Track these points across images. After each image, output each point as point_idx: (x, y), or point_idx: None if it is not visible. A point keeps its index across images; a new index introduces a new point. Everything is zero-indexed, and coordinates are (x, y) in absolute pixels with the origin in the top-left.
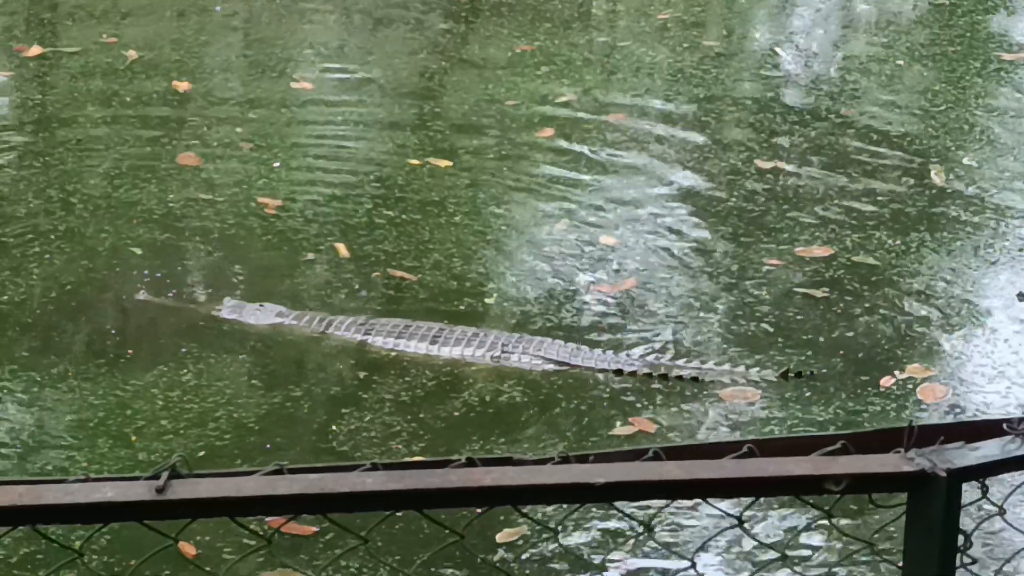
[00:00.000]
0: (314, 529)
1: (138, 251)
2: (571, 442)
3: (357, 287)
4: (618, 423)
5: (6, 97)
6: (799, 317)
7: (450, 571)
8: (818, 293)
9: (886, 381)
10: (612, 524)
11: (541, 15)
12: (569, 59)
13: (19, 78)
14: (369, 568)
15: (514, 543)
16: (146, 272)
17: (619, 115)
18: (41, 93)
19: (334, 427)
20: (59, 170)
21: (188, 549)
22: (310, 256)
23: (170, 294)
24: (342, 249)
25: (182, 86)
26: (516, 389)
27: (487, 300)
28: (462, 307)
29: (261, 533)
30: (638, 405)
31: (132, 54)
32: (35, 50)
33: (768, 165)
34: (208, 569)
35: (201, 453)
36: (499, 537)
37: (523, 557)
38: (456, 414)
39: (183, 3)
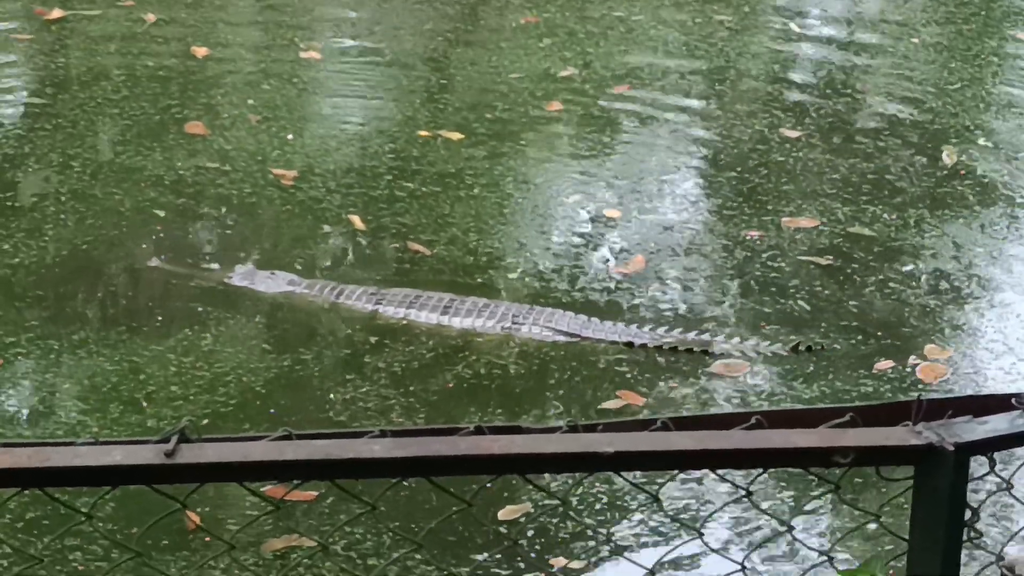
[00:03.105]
0: (314, 494)
1: (149, 217)
2: (568, 414)
3: (371, 257)
4: (613, 396)
5: (28, 60)
6: (808, 289)
7: (453, 539)
8: (825, 262)
9: (889, 362)
10: (619, 497)
11: None
12: (572, 31)
13: (40, 41)
14: (373, 534)
15: (516, 520)
16: (157, 238)
17: (624, 87)
18: (64, 56)
19: (332, 395)
20: (68, 132)
21: (192, 518)
22: (326, 228)
23: (183, 261)
24: (357, 221)
25: (200, 52)
26: (518, 361)
27: (501, 273)
28: (478, 279)
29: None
30: (629, 378)
31: (150, 17)
32: (56, 13)
33: (779, 139)
34: (214, 536)
35: (205, 421)
36: (501, 514)
37: (529, 533)
38: (450, 385)
39: None
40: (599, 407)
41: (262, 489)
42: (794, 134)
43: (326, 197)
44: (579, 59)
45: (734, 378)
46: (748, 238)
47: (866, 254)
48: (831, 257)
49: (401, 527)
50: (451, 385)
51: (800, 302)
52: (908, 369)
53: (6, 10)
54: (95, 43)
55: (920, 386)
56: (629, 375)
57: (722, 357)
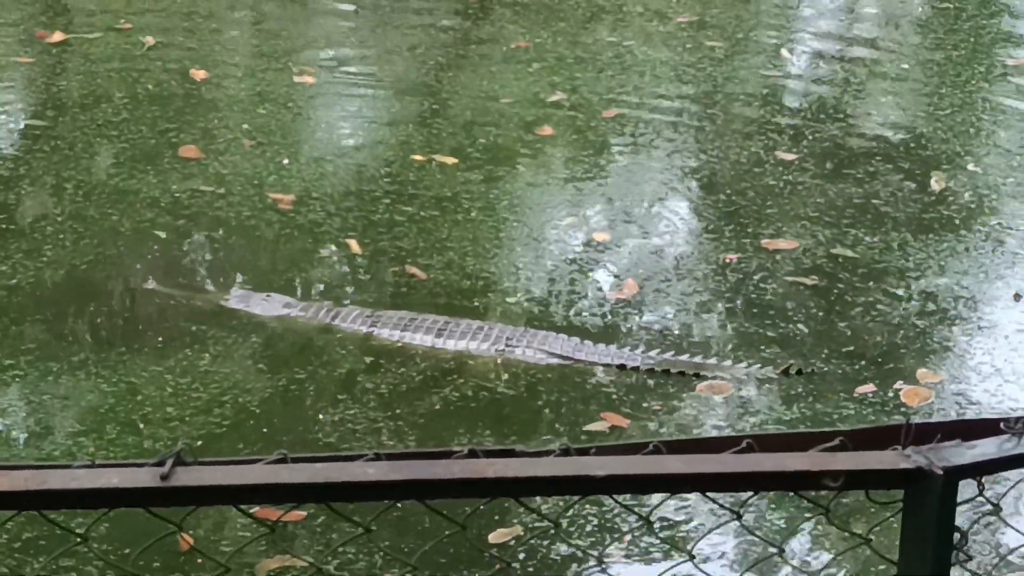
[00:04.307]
0: (304, 514)
1: (146, 239)
2: (554, 435)
3: (368, 280)
4: (598, 418)
5: (29, 83)
6: (797, 313)
7: (444, 561)
8: (811, 282)
9: (871, 386)
10: (609, 519)
11: (555, 14)
12: (561, 56)
13: (41, 64)
14: (365, 554)
15: (506, 543)
16: (154, 260)
17: (613, 111)
18: (65, 79)
19: (322, 416)
20: (65, 154)
21: (186, 540)
22: (323, 252)
23: (180, 283)
24: (354, 245)
25: (199, 75)
26: (507, 384)
27: (497, 296)
28: (475, 303)
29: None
30: (614, 399)
31: (149, 40)
32: (57, 36)
33: (768, 163)
34: (209, 558)
35: (199, 443)
36: (492, 537)
37: (520, 555)
38: (437, 408)
39: None
40: (584, 428)
41: (253, 511)
42: (790, 157)
43: (325, 221)
44: (567, 84)
45: (718, 400)
46: (728, 261)
47: (851, 275)
48: (816, 277)
49: (392, 547)
50: (438, 407)
51: (790, 324)
52: (891, 393)
53: (8, 33)
54: (95, 66)
55: (903, 409)
56: (615, 397)
57: (712, 379)
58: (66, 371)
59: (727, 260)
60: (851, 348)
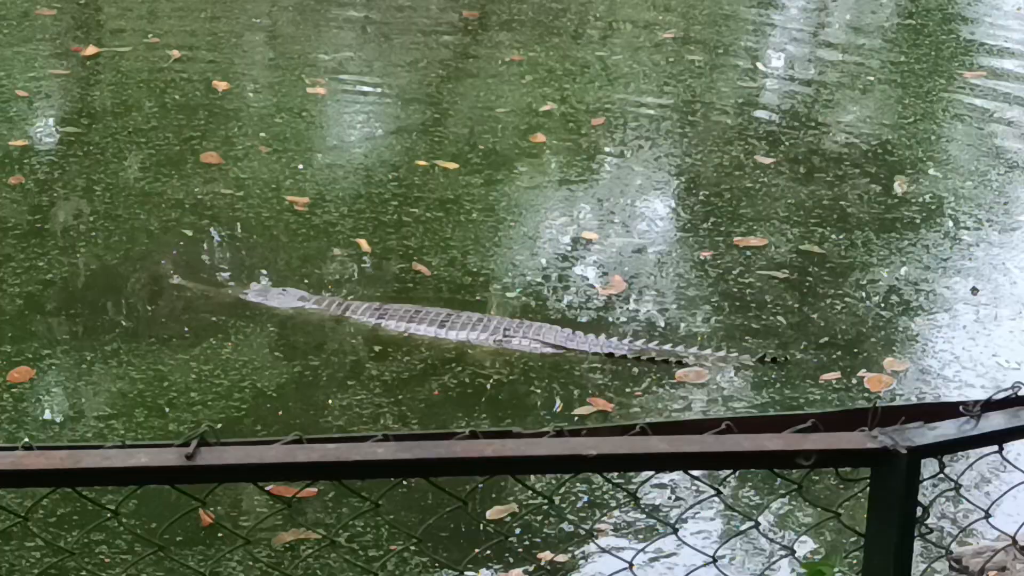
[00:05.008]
0: (315, 491)
1: (173, 238)
2: (545, 419)
3: (376, 276)
4: (585, 402)
5: (65, 93)
6: (773, 305)
7: (445, 535)
8: (783, 275)
9: (839, 373)
10: (599, 496)
11: (550, 30)
12: (551, 69)
13: (76, 76)
14: (372, 527)
15: (503, 520)
16: (179, 257)
17: (601, 119)
18: (98, 90)
19: (330, 401)
20: (97, 159)
21: (207, 516)
22: (336, 250)
23: (203, 278)
24: (364, 244)
25: (221, 85)
26: (501, 371)
27: (496, 291)
28: (477, 297)
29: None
30: (600, 385)
31: (175, 53)
32: (91, 50)
33: (748, 166)
34: (231, 531)
35: (220, 425)
36: (490, 514)
37: (516, 530)
38: (436, 393)
39: (214, 7)
40: (572, 412)
41: (268, 489)
42: (767, 161)
43: (338, 222)
44: (557, 95)
45: (694, 386)
46: (703, 258)
47: (819, 269)
48: (787, 271)
49: (398, 521)
50: (437, 393)
51: (769, 316)
52: (855, 380)
53: (45, 48)
54: (125, 77)
55: (866, 395)
56: (601, 383)
57: (693, 367)
58: (99, 359)
59: (702, 257)
60: (825, 338)
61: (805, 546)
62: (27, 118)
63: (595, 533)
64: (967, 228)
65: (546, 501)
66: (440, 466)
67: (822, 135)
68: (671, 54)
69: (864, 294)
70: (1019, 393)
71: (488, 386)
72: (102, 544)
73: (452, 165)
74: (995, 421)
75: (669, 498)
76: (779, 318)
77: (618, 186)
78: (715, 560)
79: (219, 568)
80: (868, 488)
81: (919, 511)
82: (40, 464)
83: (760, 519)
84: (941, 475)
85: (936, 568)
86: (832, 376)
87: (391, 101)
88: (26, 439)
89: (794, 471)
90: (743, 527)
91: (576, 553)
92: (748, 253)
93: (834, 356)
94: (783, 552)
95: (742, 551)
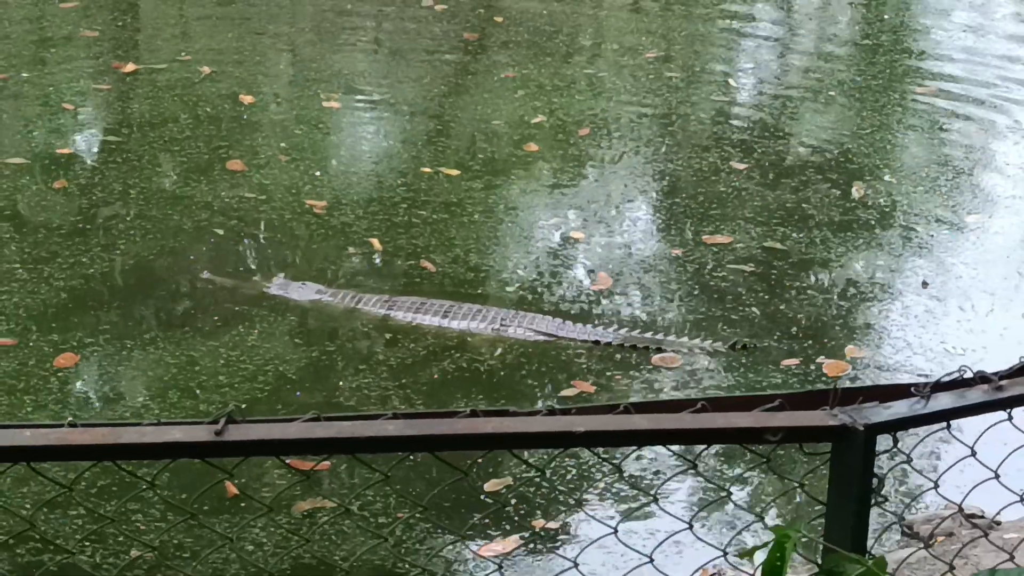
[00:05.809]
0: (329, 464)
1: (203, 237)
2: (534, 400)
3: (387, 272)
4: (569, 385)
5: (107, 106)
6: (741, 297)
7: (448, 505)
8: (750, 270)
9: (799, 359)
10: (586, 469)
11: (542, 50)
12: (541, 84)
13: (116, 90)
14: (382, 496)
15: (499, 491)
16: (209, 254)
17: (586, 130)
18: (137, 103)
19: (341, 383)
20: (133, 165)
21: (231, 489)
22: (351, 249)
23: (231, 273)
24: (376, 243)
25: (247, 99)
26: (495, 357)
27: (495, 285)
28: (478, 290)
29: (300, 470)
30: (584, 369)
31: (206, 70)
32: (130, 67)
33: (723, 171)
34: (255, 500)
35: (244, 405)
36: (488, 486)
37: (512, 500)
38: (436, 377)
39: (240, 28)
40: (559, 394)
41: (288, 462)
42: (742, 167)
43: (354, 223)
44: (546, 108)
45: (668, 370)
46: (675, 255)
47: (783, 263)
48: (752, 265)
49: (405, 491)
50: (436, 377)
51: (741, 307)
52: (813, 366)
53: (89, 65)
54: (161, 91)
55: (824, 379)
56: (584, 367)
57: (672, 353)
58: (137, 347)
59: (674, 254)
60: (793, 328)
61: (772, 513)
62: (72, 128)
63: (583, 502)
64: (918, 228)
65: (539, 474)
66: (444, 441)
67: (789, 144)
68: (651, 71)
69: (825, 287)
70: (964, 375)
71: (485, 371)
72: (138, 512)
73: (455, 172)
74: (943, 401)
75: (650, 471)
76: (756, 309)
77: (603, 190)
78: (691, 526)
79: (244, 534)
80: (829, 461)
81: (875, 482)
82: (84, 440)
83: (732, 489)
84: (895, 450)
85: (890, 534)
86: (792, 362)
87: (399, 114)
88: (71, 418)
89: (763, 446)
90: (717, 497)
91: (566, 520)
92: (713, 250)
93: (796, 344)
94: (753, 519)
95: (716, 518)
